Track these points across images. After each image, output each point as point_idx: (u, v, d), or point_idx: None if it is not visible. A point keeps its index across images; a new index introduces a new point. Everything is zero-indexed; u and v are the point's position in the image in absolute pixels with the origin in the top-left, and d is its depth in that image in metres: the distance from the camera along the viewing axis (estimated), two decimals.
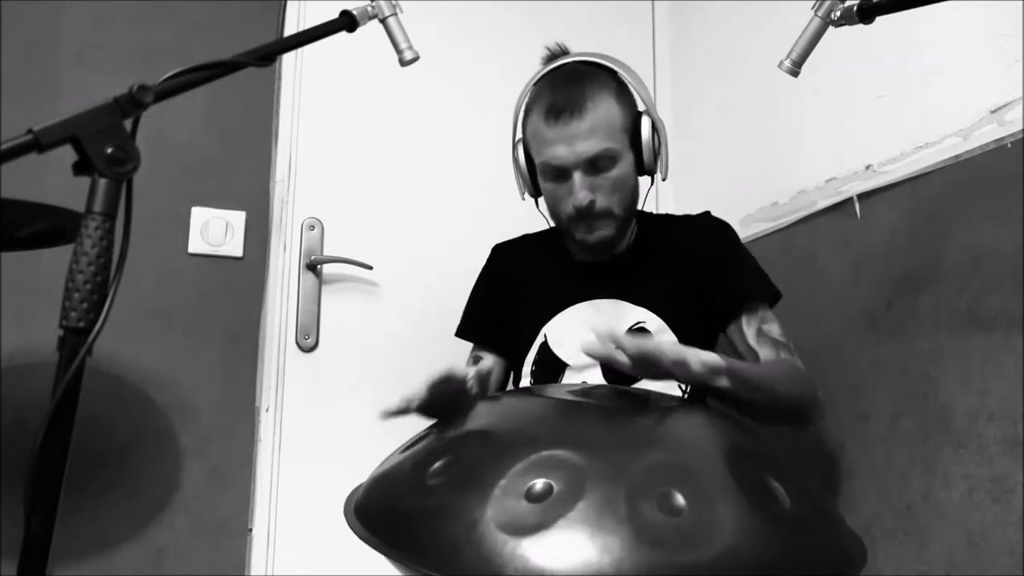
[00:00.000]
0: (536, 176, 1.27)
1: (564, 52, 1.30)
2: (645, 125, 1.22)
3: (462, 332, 1.43)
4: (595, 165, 1.19)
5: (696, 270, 1.29)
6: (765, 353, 1.21)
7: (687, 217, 1.40)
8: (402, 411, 0.96)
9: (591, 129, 1.17)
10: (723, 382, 1.01)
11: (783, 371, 1.18)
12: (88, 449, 1.59)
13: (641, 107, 1.25)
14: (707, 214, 1.38)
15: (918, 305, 1.22)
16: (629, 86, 1.26)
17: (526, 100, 1.28)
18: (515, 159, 1.29)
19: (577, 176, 1.19)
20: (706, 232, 1.34)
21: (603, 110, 1.19)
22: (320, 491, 1.67)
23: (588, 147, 1.18)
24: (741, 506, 0.68)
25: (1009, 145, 1.08)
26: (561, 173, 1.21)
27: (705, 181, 1.87)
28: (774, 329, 1.24)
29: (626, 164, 1.22)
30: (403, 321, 1.80)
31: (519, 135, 1.30)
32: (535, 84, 1.27)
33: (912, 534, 1.19)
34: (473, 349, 1.43)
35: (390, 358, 1.76)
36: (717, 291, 1.27)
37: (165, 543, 1.62)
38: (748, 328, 1.24)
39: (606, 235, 1.24)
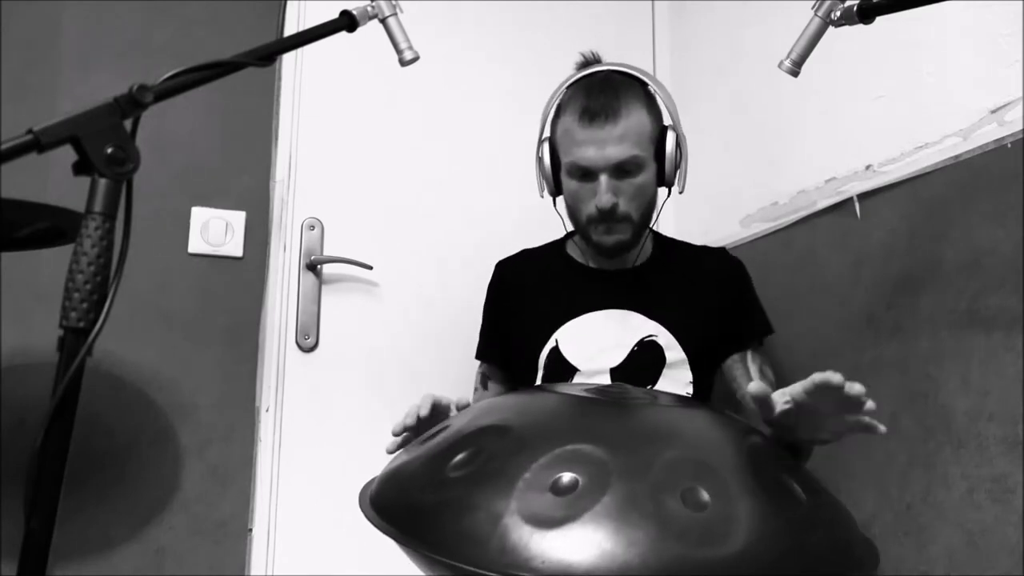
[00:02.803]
0: (558, 175, 1.29)
1: (597, 60, 1.34)
2: (670, 139, 1.26)
3: (482, 355, 1.46)
4: (621, 170, 1.22)
5: (711, 299, 1.33)
6: None
7: (703, 247, 1.45)
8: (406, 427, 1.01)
9: (623, 135, 1.21)
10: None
11: None
12: (88, 449, 1.59)
13: (668, 121, 1.29)
14: (723, 250, 1.45)
15: (918, 305, 1.22)
16: (658, 99, 1.30)
17: (557, 101, 1.31)
18: (539, 157, 1.32)
19: (603, 179, 1.22)
20: (724, 267, 1.39)
21: (635, 118, 1.23)
22: (320, 491, 1.67)
23: (618, 152, 1.21)
24: (762, 503, 0.68)
25: (1009, 145, 1.08)
26: (587, 174, 1.24)
27: (705, 181, 1.87)
28: (768, 372, 1.32)
29: (649, 173, 1.26)
30: (403, 321, 1.80)
31: (546, 134, 1.32)
32: (568, 88, 1.30)
33: (912, 534, 1.19)
34: (481, 366, 1.45)
35: (390, 358, 1.76)
36: (730, 326, 1.32)
37: (165, 543, 1.62)
38: (752, 364, 1.31)
39: (623, 239, 1.27)
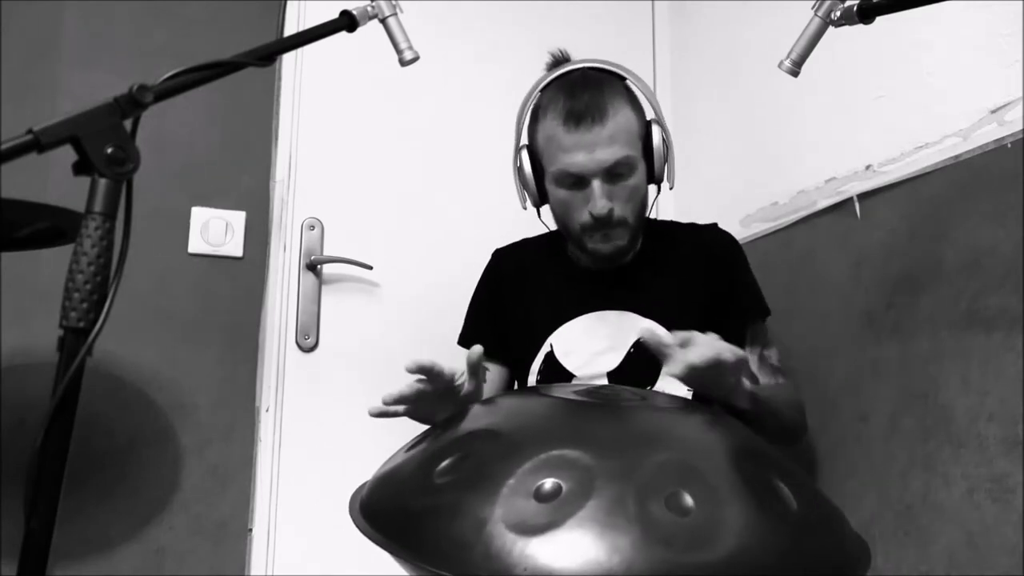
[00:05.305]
0: (542, 183, 1.24)
1: (567, 58, 1.28)
2: (656, 134, 1.21)
3: (464, 341, 1.40)
4: (613, 173, 1.17)
5: (706, 282, 1.29)
6: (765, 380, 1.24)
7: (694, 226, 1.39)
8: (390, 413, 0.96)
9: (612, 136, 1.15)
10: (744, 403, 1.07)
11: (786, 398, 1.23)
12: (88, 449, 1.59)
13: (651, 115, 1.24)
14: (715, 226, 1.38)
15: (918, 305, 1.22)
16: (639, 94, 1.25)
17: (532, 105, 1.25)
18: (519, 166, 1.26)
19: (596, 184, 1.16)
20: (716, 246, 1.33)
21: (622, 117, 1.17)
22: (320, 491, 1.67)
23: (609, 155, 1.15)
24: (749, 506, 0.68)
25: (1009, 145, 1.08)
26: (578, 181, 1.18)
27: (705, 181, 1.87)
28: (773, 355, 1.28)
29: (641, 172, 1.21)
30: (403, 321, 1.80)
31: (523, 141, 1.27)
32: (543, 90, 1.24)
33: (912, 534, 1.19)
34: None
35: (390, 358, 1.74)
36: (725, 310, 1.29)
37: (165, 543, 1.62)
38: (751, 353, 1.26)
39: (621, 244, 1.22)
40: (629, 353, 1.25)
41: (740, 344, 1.27)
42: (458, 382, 0.97)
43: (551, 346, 1.28)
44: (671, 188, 1.27)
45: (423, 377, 0.94)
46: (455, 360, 1.41)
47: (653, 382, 1.24)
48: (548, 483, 0.67)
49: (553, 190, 1.23)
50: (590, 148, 1.15)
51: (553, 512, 0.65)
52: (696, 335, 0.97)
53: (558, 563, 0.62)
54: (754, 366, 1.25)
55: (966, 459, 1.11)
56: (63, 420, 0.71)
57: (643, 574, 0.61)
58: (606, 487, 0.66)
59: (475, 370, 1.00)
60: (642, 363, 1.24)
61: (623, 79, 1.25)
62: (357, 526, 0.76)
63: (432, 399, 0.96)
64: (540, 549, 0.63)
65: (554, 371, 1.28)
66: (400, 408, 0.96)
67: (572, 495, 0.66)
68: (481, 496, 0.68)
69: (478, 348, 0.98)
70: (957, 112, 1.18)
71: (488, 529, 0.65)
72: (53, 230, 1.26)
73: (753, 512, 0.67)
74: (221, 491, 1.67)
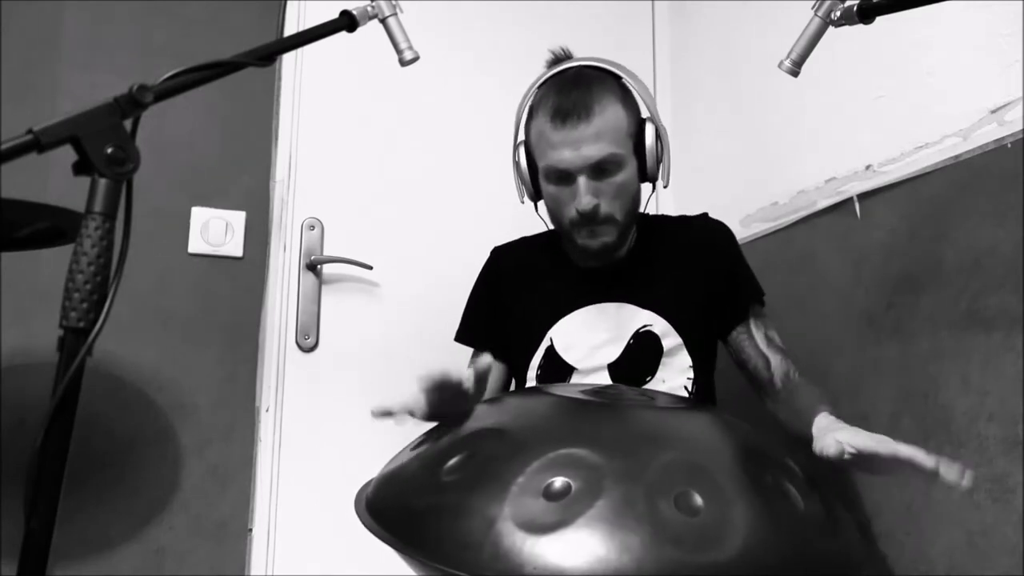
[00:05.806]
0: (537, 179, 1.26)
1: (568, 56, 1.30)
2: (649, 132, 1.22)
3: (461, 337, 1.42)
4: (600, 169, 1.18)
5: (700, 272, 1.30)
6: (776, 360, 1.25)
7: (685, 218, 1.41)
8: (393, 413, 0.96)
9: (598, 133, 1.17)
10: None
11: (819, 393, 1.19)
12: (88, 449, 1.59)
13: (645, 114, 1.25)
14: (706, 215, 1.39)
15: (918, 305, 1.22)
16: (634, 92, 1.26)
17: (529, 102, 1.28)
18: (516, 162, 1.28)
19: (582, 180, 1.18)
20: (709, 234, 1.35)
21: (610, 114, 1.19)
22: (320, 491, 1.67)
23: (594, 151, 1.17)
24: (757, 506, 0.68)
25: (1009, 145, 1.08)
26: (565, 177, 1.20)
27: (705, 181, 1.87)
28: (775, 335, 1.29)
29: (630, 170, 1.22)
30: (403, 321, 1.80)
31: (521, 137, 1.29)
32: (539, 87, 1.26)
33: (912, 534, 1.19)
34: (473, 355, 1.42)
35: (390, 358, 1.76)
36: (724, 295, 1.30)
37: (165, 543, 1.62)
38: (757, 332, 1.28)
39: (608, 241, 1.23)
40: (629, 344, 1.26)
41: (739, 323, 1.29)
42: (465, 386, 0.98)
43: (551, 340, 1.29)
44: (665, 186, 1.27)
45: (433, 389, 0.95)
46: (453, 358, 1.42)
47: (653, 373, 1.25)
48: (558, 482, 0.67)
49: (545, 186, 1.25)
50: (575, 145, 1.17)
51: (563, 511, 0.65)
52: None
53: (568, 562, 0.62)
54: (763, 345, 1.26)
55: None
56: (63, 420, 0.71)
57: (653, 573, 0.61)
58: (615, 486, 0.66)
59: (482, 378, 1.02)
60: (642, 353, 1.26)
61: (618, 77, 1.26)
62: (364, 524, 0.76)
63: (439, 405, 0.97)
64: (550, 548, 0.63)
65: (554, 366, 1.28)
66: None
67: (581, 494, 0.66)
68: (490, 494, 0.68)
69: (487, 359, 1.00)
70: (957, 112, 1.18)
71: (497, 527, 0.65)
72: (53, 230, 1.26)
73: (761, 512, 0.67)
74: (221, 491, 1.67)
